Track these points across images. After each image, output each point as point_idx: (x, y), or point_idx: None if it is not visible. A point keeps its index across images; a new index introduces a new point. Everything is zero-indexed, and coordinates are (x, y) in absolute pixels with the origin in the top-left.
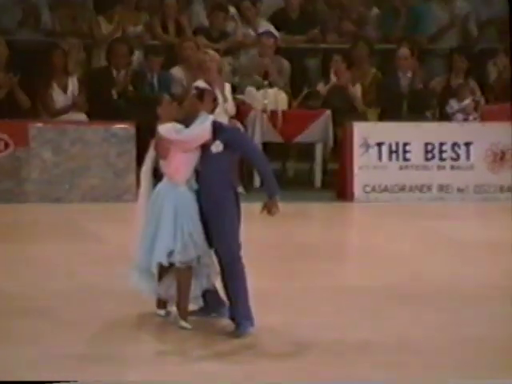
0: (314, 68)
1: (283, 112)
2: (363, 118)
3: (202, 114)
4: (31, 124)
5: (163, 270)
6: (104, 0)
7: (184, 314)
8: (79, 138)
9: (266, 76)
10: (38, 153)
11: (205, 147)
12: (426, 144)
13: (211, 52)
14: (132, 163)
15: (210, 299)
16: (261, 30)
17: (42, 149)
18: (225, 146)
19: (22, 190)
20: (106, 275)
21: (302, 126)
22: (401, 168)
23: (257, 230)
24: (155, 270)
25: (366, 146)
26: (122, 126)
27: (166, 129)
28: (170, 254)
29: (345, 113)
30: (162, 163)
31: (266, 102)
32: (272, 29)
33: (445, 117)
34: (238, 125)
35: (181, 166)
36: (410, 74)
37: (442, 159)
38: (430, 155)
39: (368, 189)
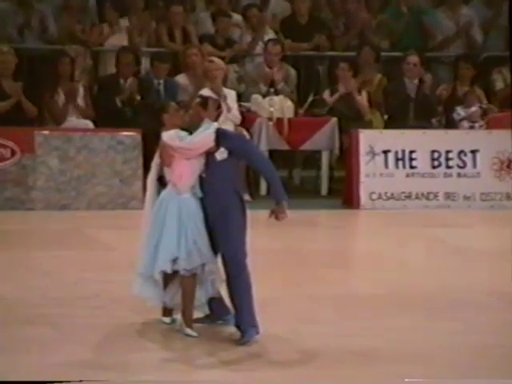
0: (320, 75)
1: (289, 120)
2: (369, 125)
3: (206, 122)
4: (37, 131)
5: (168, 278)
6: (109, 8)
7: (189, 321)
8: (85, 145)
9: (271, 84)
10: (44, 160)
11: (209, 154)
12: (433, 152)
13: (217, 60)
14: (138, 170)
15: (216, 306)
16: (267, 38)
17: (48, 156)
18: (229, 154)
19: (29, 197)
20: (111, 283)
21: (308, 134)
22: (407, 175)
23: (263, 237)
24: (158, 276)
25: (372, 153)
26: (129, 133)
27: (169, 136)
28: (174, 261)
29: (351, 120)
30: (166, 170)
31: (272, 109)
32: (278, 36)
33: (451, 124)
34: (244, 132)
35: (184, 173)
36: (416, 81)
37: (448, 167)
38: (436, 163)
39: (374, 196)
